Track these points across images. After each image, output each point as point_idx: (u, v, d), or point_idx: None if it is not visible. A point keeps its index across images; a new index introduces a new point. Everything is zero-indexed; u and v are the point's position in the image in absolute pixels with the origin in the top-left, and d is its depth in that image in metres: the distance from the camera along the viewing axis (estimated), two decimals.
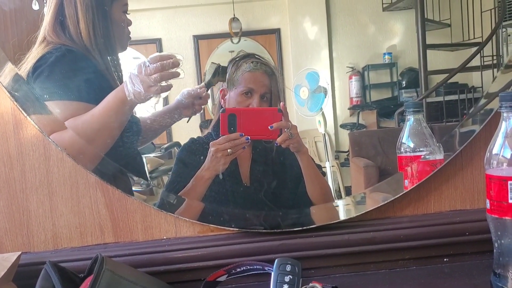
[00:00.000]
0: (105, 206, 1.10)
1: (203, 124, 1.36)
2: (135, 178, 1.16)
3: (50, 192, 1.09)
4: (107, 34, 1.11)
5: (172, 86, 1.06)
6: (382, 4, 1.45)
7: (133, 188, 1.15)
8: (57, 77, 1.07)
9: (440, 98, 1.43)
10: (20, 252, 0.98)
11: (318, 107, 1.37)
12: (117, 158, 1.12)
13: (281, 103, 1.15)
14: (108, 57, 1.15)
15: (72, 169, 1.08)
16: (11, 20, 1.07)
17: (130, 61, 1.35)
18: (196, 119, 1.34)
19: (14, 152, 1.08)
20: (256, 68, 1.21)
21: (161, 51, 1.39)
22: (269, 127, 1.09)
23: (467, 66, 1.37)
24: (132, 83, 1.03)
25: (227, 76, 1.24)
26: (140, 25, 1.38)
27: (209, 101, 1.35)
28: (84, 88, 1.09)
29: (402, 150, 1.13)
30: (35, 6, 1.08)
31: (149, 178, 1.28)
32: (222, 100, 1.25)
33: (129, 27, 1.17)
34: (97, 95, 1.08)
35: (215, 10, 1.39)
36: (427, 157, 1.10)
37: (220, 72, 1.25)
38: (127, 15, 1.15)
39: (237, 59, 1.24)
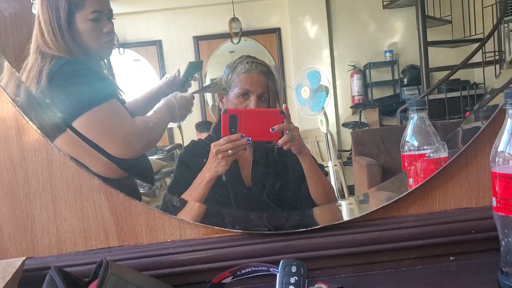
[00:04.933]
0: (109, 210, 1.10)
1: (199, 126, 1.36)
2: (138, 181, 1.16)
3: (53, 197, 1.09)
4: (69, 46, 1.09)
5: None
6: (383, 1, 1.45)
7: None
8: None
9: (442, 95, 1.43)
10: (25, 258, 0.98)
11: (320, 106, 1.36)
12: (120, 161, 1.12)
13: (283, 104, 1.14)
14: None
15: (75, 173, 1.08)
16: (12, 25, 1.07)
17: (130, 64, 1.35)
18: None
19: (16, 157, 1.07)
20: (252, 68, 1.21)
21: (161, 52, 1.39)
22: (270, 129, 1.08)
23: (469, 62, 1.37)
24: None
25: (223, 77, 1.23)
26: (140, 27, 1.38)
27: (210, 101, 1.35)
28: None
29: (406, 148, 1.12)
30: (35, 10, 1.08)
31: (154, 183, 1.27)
32: (220, 103, 1.25)
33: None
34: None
35: (215, 11, 1.39)
36: (431, 155, 1.09)
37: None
38: (112, 20, 1.15)
39: (231, 63, 1.24)
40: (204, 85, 1.35)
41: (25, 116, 1.04)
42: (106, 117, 1.12)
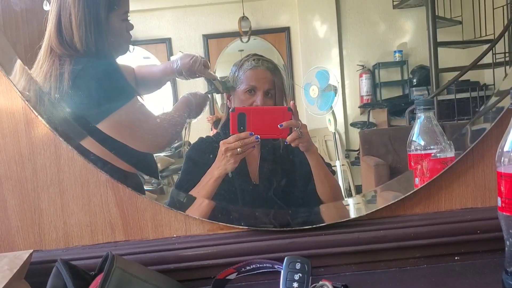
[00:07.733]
0: (116, 205, 1.11)
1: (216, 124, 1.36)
2: (146, 177, 1.17)
3: (61, 191, 1.10)
4: (101, 47, 1.11)
5: None
6: (393, 1, 1.45)
7: (144, 187, 1.16)
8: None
9: (452, 96, 1.42)
10: (32, 250, 0.99)
11: (328, 106, 1.36)
12: (128, 157, 1.12)
13: (291, 101, 1.14)
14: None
15: (83, 167, 1.09)
16: (23, 20, 1.08)
17: (140, 61, 1.36)
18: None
19: (25, 151, 1.09)
20: (258, 65, 1.22)
21: (171, 50, 1.39)
22: (278, 125, 1.09)
23: (479, 63, 1.36)
24: None
25: (230, 75, 1.24)
26: (150, 25, 1.39)
27: (219, 100, 1.35)
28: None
29: (413, 148, 1.12)
30: (46, 7, 1.09)
31: (159, 177, 1.28)
32: (228, 100, 1.25)
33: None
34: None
35: (224, 9, 1.39)
36: (437, 155, 1.09)
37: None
38: (128, 20, 1.16)
39: (238, 61, 1.25)
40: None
41: (34, 111, 1.06)
42: (133, 115, 1.14)
